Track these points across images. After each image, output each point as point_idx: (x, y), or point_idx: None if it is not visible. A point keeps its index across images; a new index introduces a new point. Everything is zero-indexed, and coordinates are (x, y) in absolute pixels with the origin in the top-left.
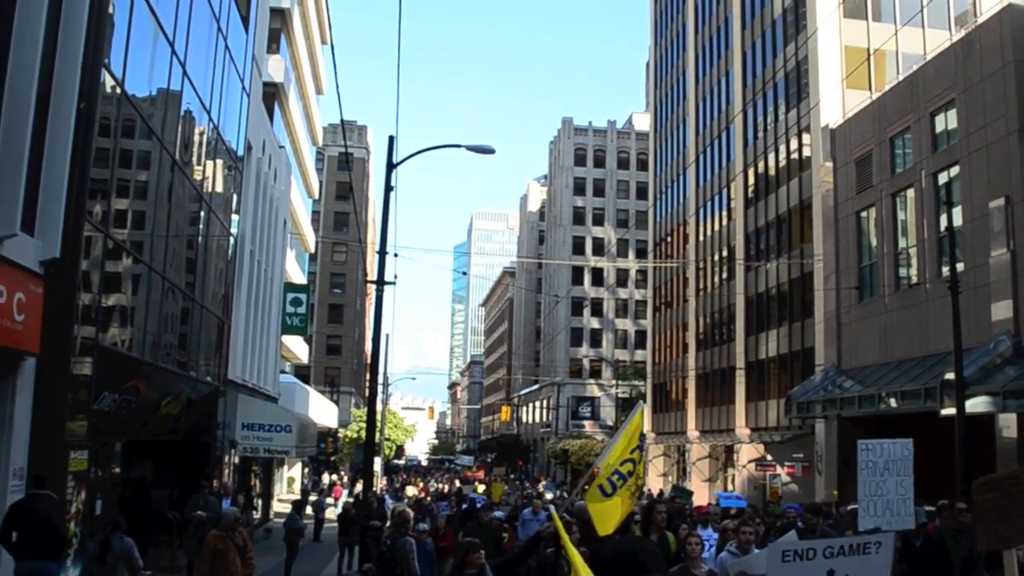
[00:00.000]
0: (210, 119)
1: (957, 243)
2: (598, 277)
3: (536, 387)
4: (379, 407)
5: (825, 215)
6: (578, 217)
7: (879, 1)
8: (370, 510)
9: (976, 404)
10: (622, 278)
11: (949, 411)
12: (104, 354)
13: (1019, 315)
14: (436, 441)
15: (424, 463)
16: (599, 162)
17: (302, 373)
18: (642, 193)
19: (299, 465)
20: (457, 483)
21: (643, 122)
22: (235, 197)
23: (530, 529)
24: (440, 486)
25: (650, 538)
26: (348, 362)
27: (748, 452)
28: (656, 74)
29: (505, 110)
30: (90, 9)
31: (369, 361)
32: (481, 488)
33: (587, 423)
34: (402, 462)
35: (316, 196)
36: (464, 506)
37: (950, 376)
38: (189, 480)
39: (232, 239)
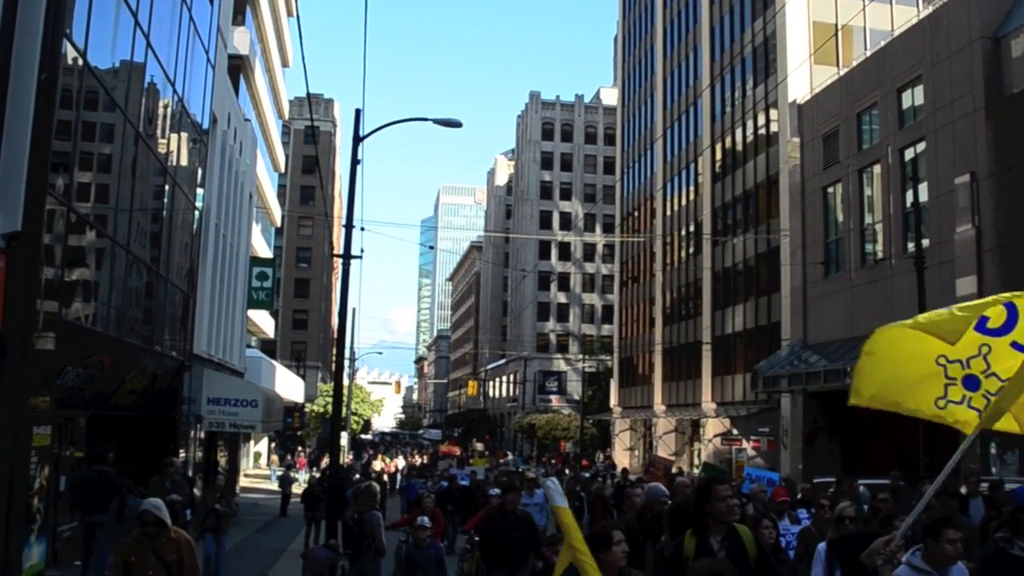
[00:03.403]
0: (174, 92)
1: (923, 219)
2: (565, 251)
3: (503, 362)
4: (345, 382)
5: (792, 190)
6: (545, 191)
7: None
8: (349, 482)
9: None
10: (589, 252)
11: None
12: (67, 329)
13: (983, 291)
14: (403, 415)
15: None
16: (566, 136)
17: (268, 348)
18: (609, 167)
19: (265, 440)
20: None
21: (611, 96)
22: (200, 171)
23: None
24: (413, 459)
25: (708, 541)
26: (314, 336)
27: (714, 426)
28: (624, 48)
29: (472, 84)
30: None
31: (336, 335)
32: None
33: (554, 398)
34: (369, 436)
35: (282, 170)
36: (444, 484)
37: None
38: (154, 456)
39: (197, 213)
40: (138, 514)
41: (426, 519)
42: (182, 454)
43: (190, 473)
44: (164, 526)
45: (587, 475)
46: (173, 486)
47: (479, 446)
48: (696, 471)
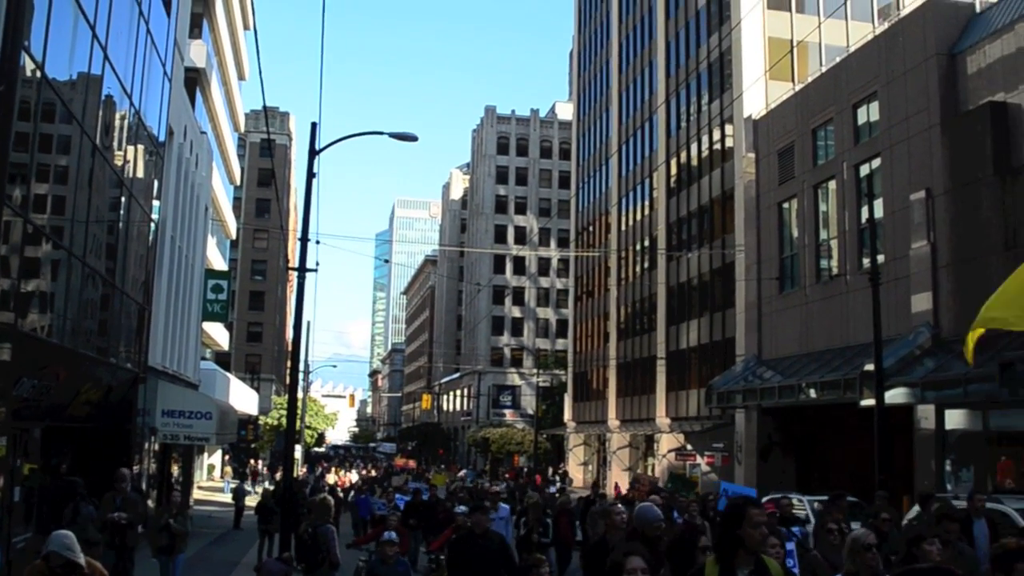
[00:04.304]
0: (131, 104)
1: (878, 235)
2: (520, 266)
3: (457, 375)
4: (300, 395)
5: (747, 206)
6: (500, 205)
7: None
8: (303, 496)
9: (895, 395)
10: (544, 267)
11: (868, 402)
12: (23, 340)
13: (938, 307)
14: (357, 429)
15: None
16: (522, 151)
17: (223, 360)
18: (564, 182)
19: (219, 452)
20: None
21: (566, 111)
22: (156, 183)
23: (495, 528)
24: (366, 472)
25: (735, 573)
26: (269, 349)
27: (668, 441)
28: (580, 63)
29: (428, 98)
30: None
31: (290, 348)
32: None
33: (508, 412)
34: (322, 449)
35: (238, 182)
36: (404, 499)
37: (870, 367)
38: (109, 468)
39: (153, 225)
40: (44, 555)
41: (393, 534)
42: (136, 467)
43: (143, 486)
44: (75, 568)
45: (551, 490)
46: (124, 503)
47: (442, 468)
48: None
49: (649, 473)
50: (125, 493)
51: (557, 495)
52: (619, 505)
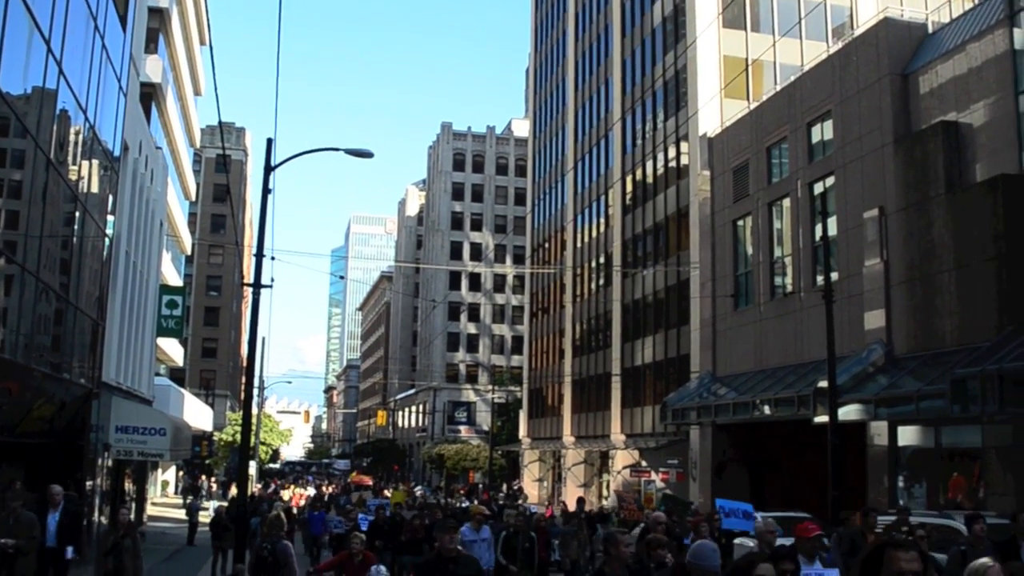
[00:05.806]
0: (86, 119)
1: (832, 253)
2: (475, 282)
3: (412, 392)
4: (254, 411)
5: (702, 223)
6: (456, 222)
7: (758, 12)
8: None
9: (848, 412)
10: (499, 283)
11: (822, 419)
12: None
13: (891, 324)
14: (312, 445)
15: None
16: (478, 167)
17: (177, 376)
18: (520, 199)
19: (173, 468)
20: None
21: (522, 128)
22: (111, 198)
23: (478, 553)
24: (325, 489)
25: None
26: (224, 365)
27: (623, 458)
28: (536, 80)
29: (384, 114)
30: None
31: (245, 364)
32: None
33: (463, 428)
34: (276, 466)
35: (193, 198)
36: (366, 518)
37: (823, 384)
38: (61, 484)
39: (107, 240)
40: None
41: (383, 568)
42: (89, 484)
43: (96, 502)
44: None
45: (533, 510)
46: (15, 525)
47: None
48: (605, 504)
49: (606, 490)
50: (17, 513)
51: (534, 513)
52: (626, 536)
